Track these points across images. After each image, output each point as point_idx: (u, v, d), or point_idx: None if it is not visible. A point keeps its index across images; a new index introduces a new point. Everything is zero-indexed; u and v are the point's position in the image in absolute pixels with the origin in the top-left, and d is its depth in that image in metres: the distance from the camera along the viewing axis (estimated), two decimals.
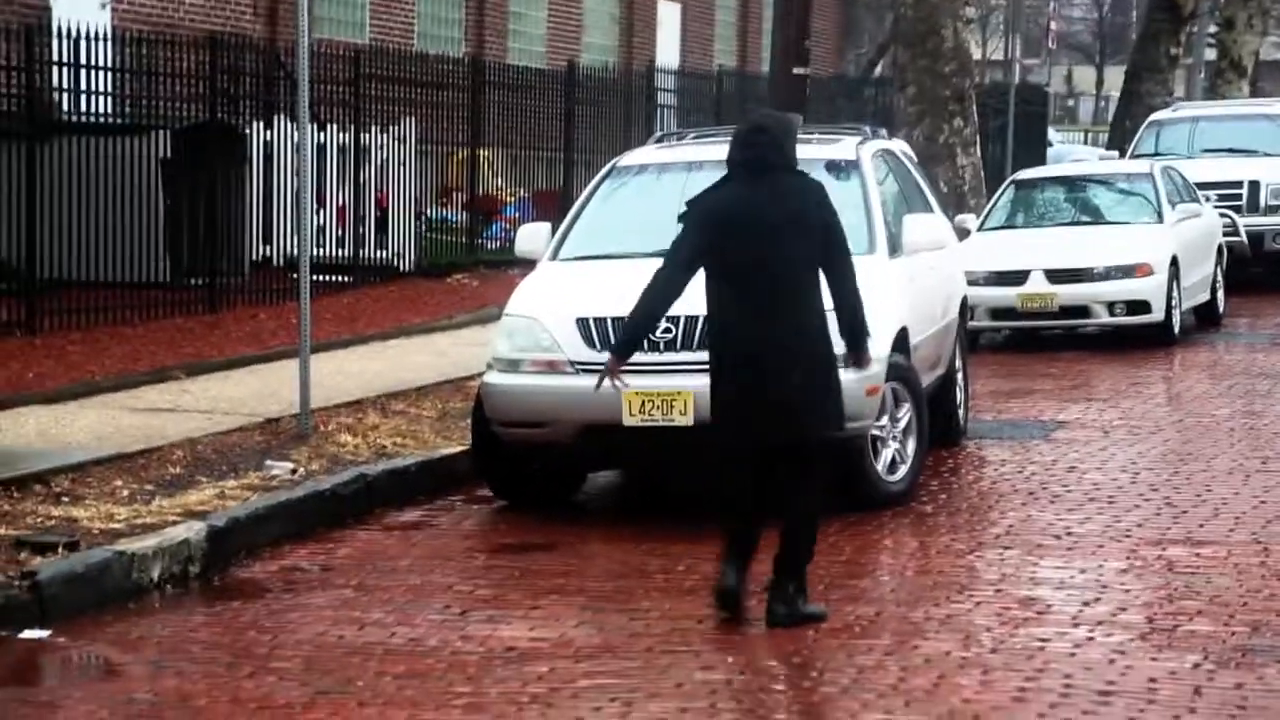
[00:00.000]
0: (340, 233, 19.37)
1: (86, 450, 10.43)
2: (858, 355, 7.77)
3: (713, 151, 11.23)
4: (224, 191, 17.39)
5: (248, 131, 18.47)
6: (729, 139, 11.68)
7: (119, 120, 17.12)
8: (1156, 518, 9.35)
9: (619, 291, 9.82)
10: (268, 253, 18.66)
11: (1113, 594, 7.83)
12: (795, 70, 18.18)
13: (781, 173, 7.61)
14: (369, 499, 9.99)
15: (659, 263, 10.22)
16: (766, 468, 7.51)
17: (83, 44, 16.23)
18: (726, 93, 29.15)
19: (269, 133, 18.64)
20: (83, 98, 16.59)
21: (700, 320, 9.37)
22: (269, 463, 10.29)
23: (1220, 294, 18.80)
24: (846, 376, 9.04)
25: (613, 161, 11.56)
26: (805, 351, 7.44)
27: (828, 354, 7.54)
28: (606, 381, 7.89)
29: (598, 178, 11.32)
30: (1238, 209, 20.78)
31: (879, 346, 9.64)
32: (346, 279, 18.90)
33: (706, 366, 9.30)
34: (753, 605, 7.74)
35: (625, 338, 8.09)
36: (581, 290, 9.98)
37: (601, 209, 10.98)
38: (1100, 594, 7.82)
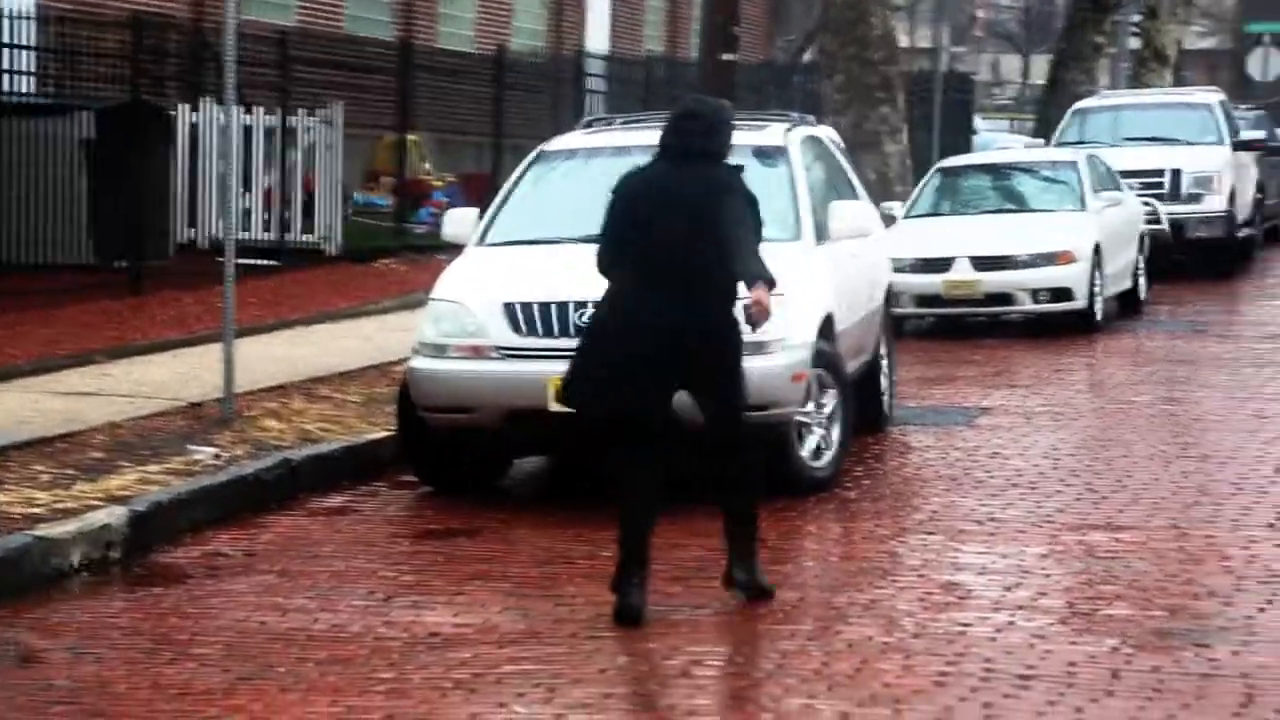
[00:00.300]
0: (266, 216, 19.26)
1: (6, 434, 10.33)
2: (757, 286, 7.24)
3: (641, 137, 11.21)
4: (148, 173, 17.24)
5: (173, 113, 18.33)
6: (658, 124, 11.74)
7: (42, 100, 16.96)
8: (1077, 503, 9.43)
9: (546, 277, 9.84)
10: (192, 236, 18.56)
11: (1033, 579, 7.90)
12: (723, 56, 18.23)
13: (708, 161, 7.59)
14: (293, 484, 9.95)
15: (585, 248, 10.25)
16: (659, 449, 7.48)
17: (5, 23, 16.06)
18: (656, 79, 29.17)
19: (195, 115, 18.52)
20: (4, 77, 16.41)
21: None
22: (191, 447, 10.23)
23: (1142, 281, 18.97)
24: (771, 362, 9.09)
25: (540, 146, 11.54)
26: (712, 333, 7.41)
27: (735, 338, 7.50)
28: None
29: (525, 162, 11.30)
30: (1160, 197, 20.95)
31: (804, 332, 9.70)
32: (272, 263, 18.78)
33: None
34: (678, 590, 7.77)
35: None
36: (508, 275, 9.96)
37: (529, 194, 10.96)
38: (1021, 579, 7.89)
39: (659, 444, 7.43)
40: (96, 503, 8.83)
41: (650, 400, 7.41)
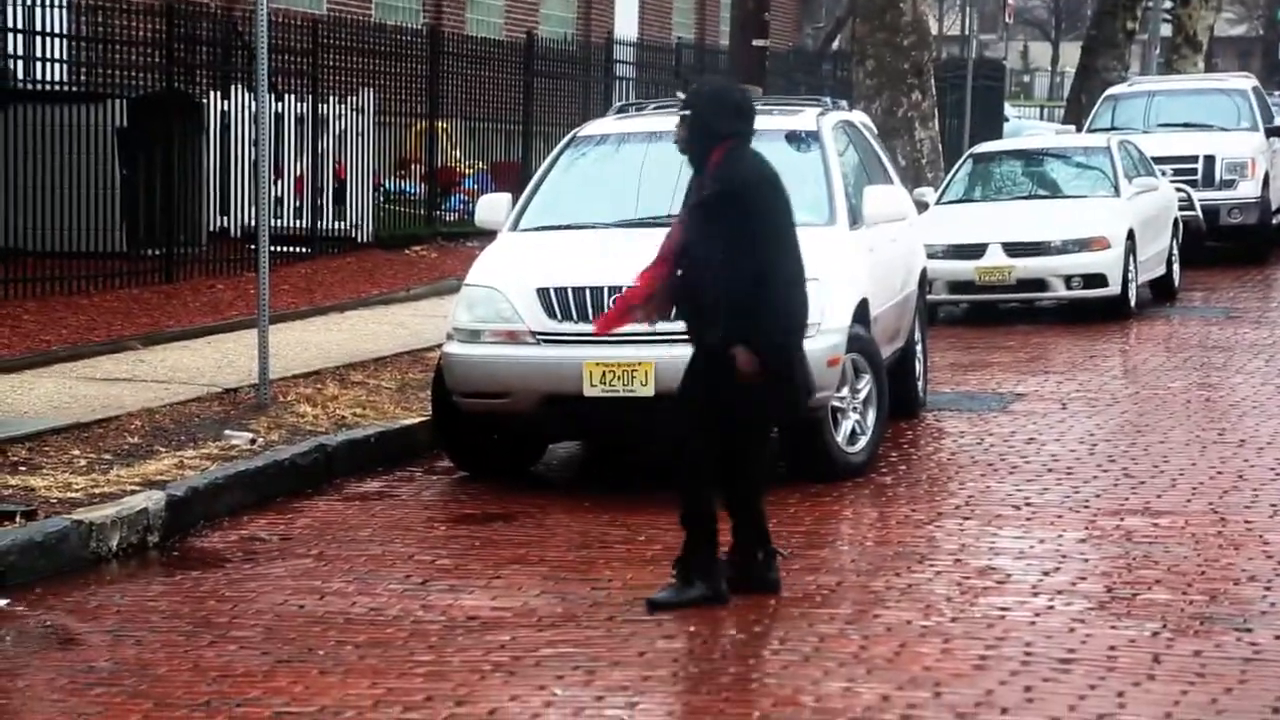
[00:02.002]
0: (298, 204, 19.27)
1: (43, 420, 10.37)
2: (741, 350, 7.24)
3: (673, 122, 11.20)
4: (180, 161, 17.27)
5: (205, 101, 18.35)
6: None
7: (75, 88, 17.00)
8: (1114, 488, 9.40)
9: (579, 261, 9.84)
10: (225, 223, 18.57)
11: (1072, 563, 7.87)
12: (754, 42, 18.19)
13: (709, 146, 7.39)
14: (328, 469, 9.97)
15: (619, 232, 10.26)
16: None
17: (39, 10, 16.10)
18: (685, 65, 29.13)
19: (226, 103, 18.53)
20: (38, 65, 16.46)
21: None
22: (228, 433, 10.26)
23: (1176, 268, 18.90)
24: (807, 347, 9.08)
25: (573, 132, 11.54)
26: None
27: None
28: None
29: (558, 148, 11.30)
30: (1193, 183, 20.88)
31: (839, 318, 9.68)
32: (304, 250, 18.82)
33: (667, 337, 9.35)
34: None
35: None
36: (542, 260, 9.96)
37: (562, 179, 10.95)
38: (1059, 563, 7.86)
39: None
40: (134, 487, 8.86)
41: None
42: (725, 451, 7.35)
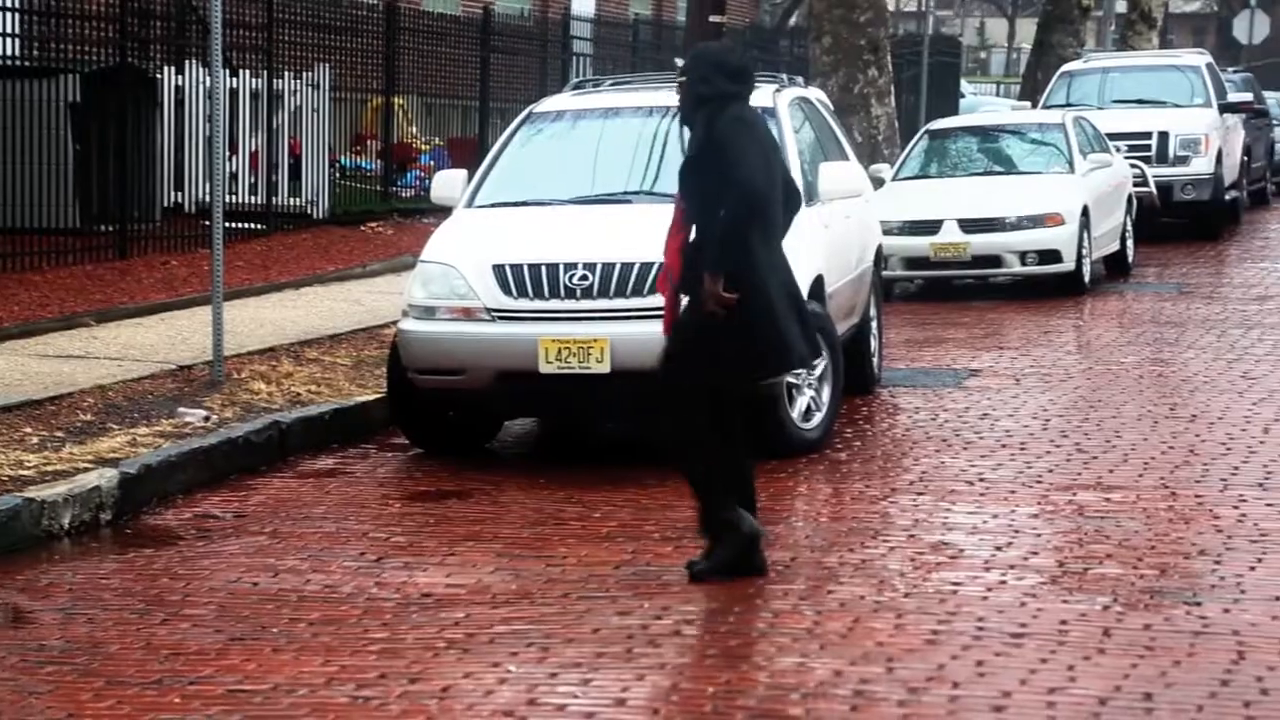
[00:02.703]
0: (253, 180, 19.19)
1: None
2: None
3: (629, 99, 11.23)
4: (135, 137, 17.17)
5: (159, 76, 18.24)
6: (646, 86, 11.72)
7: (27, 63, 16.87)
8: (1067, 463, 9.45)
9: (535, 238, 9.83)
10: (179, 199, 18.48)
11: (1024, 538, 7.92)
12: (711, 19, 18.19)
13: (708, 109, 7.38)
14: (283, 446, 9.94)
15: (575, 209, 10.25)
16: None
17: None
18: (642, 41, 29.10)
19: (180, 78, 18.43)
20: None
21: (617, 267, 9.40)
22: (181, 410, 10.22)
23: (1130, 244, 18.99)
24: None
25: (529, 108, 11.52)
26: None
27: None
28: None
29: (514, 124, 11.28)
30: (1147, 160, 20.97)
31: None
32: (259, 226, 18.74)
33: (623, 314, 9.36)
34: (669, 551, 7.79)
35: None
36: (498, 237, 9.94)
37: (518, 156, 10.93)
38: (1012, 538, 7.90)
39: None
40: (87, 465, 8.82)
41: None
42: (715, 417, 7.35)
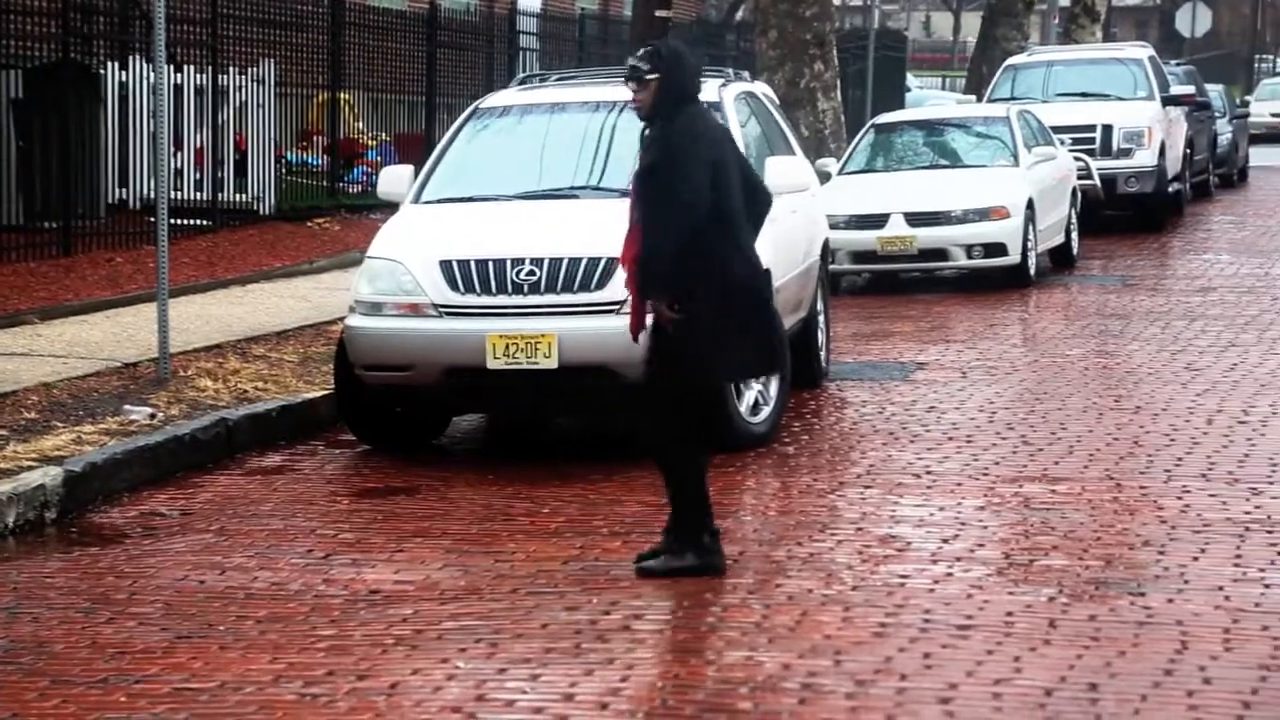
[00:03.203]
0: (198, 176, 19.09)
1: None
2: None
3: (576, 94, 11.23)
4: (78, 133, 17.06)
5: (102, 72, 18.13)
6: (593, 81, 11.72)
7: None
8: (1013, 456, 9.50)
9: (482, 234, 9.82)
10: (123, 195, 18.36)
11: (971, 531, 7.96)
12: (657, 13, 18.21)
13: (677, 108, 7.39)
14: (229, 444, 9.91)
15: (521, 205, 10.25)
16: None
17: None
18: (589, 36, 29.09)
19: (124, 73, 18.31)
20: None
21: (564, 262, 9.40)
22: (127, 407, 10.16)
23: (1075, 236, 19.10)
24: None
25: (476, 103, 11.50)
26: None
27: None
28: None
29: (460, 120, 11.26)
30: (1091, 152, 21.08)
31: None
32: (205, 222, 18.64)
33: (570, 309, 9.37)
34: (618, 545, 7.80)
35: None
36: (445, 233, 9.93)
37: (464, 151, 10.92)
38: (959, 531, 7.94)
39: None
40: (31, 463, 8.77)
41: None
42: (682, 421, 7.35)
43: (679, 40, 7.76)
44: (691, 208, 7.18)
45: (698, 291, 7.21)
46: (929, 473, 9.15)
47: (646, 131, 7.46)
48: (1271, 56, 70.13)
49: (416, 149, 21.37)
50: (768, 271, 7.64)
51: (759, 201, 7.57)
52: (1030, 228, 17.11)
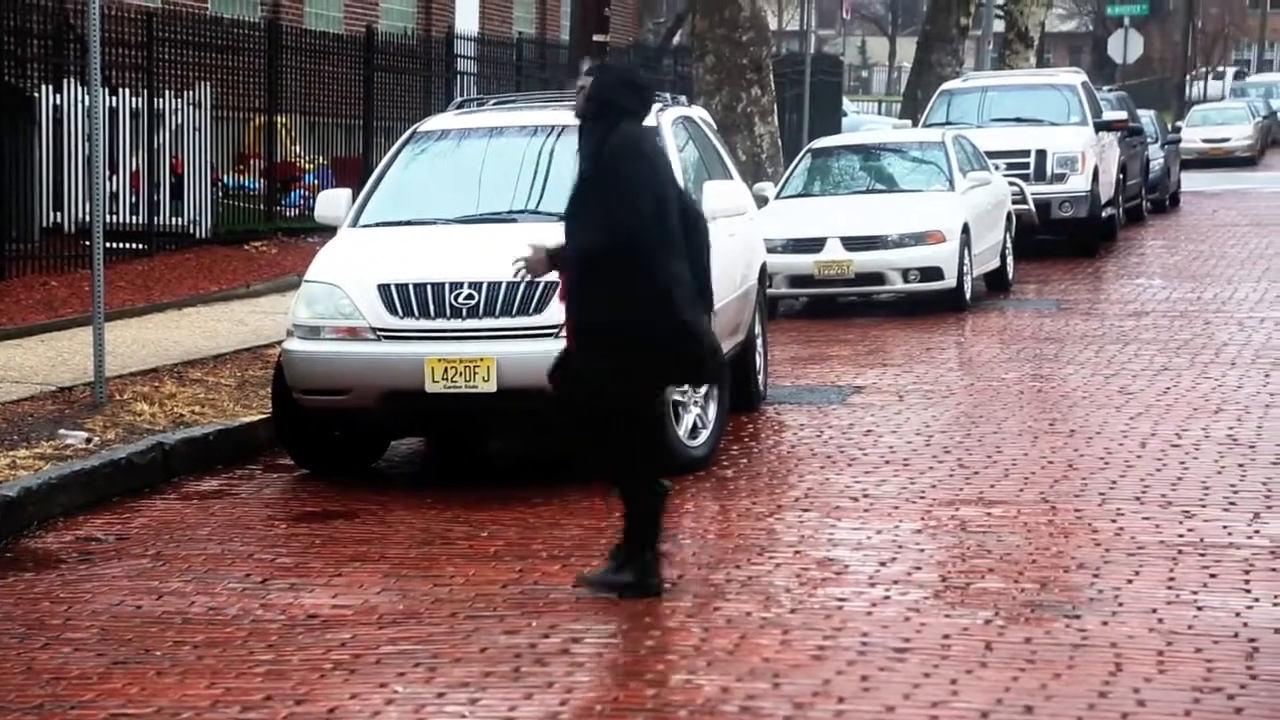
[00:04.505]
0: (134, 199, 19.00)
1: None
2: None
3: (513, 118, 11.25)
4: (12, 156, 16.95)
5: (36, 95, 18.02)
6: (530, 105, 11.74)
7: None
8: (950, 479, 9.56)
9: (421, 258, 9.82)
10: (58, 219, 18.24)
11: (908, 553, 8.00)
12: (595, 38, 18.22)
13: (610, 123, 7.45)
14: (166, 468, 9.86)
15: (460, 229, 10.26)
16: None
17: None
18: (526, 60, 29.11)
19: (59, 96, 18.20)
20: None
21: (503, 286, 9.41)
22: (62, 432, 10.10)
23: (1010, 260, 19.24)
24: None
25: (414, 127, 11.51)
26: None
27: None
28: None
29: (398, 144, 11.26)
30: (1026, 177, 21.26)
31: None
32: (141, 246, 18.55)
33: (509, 333, 9.37)
34: (557, 569, 7.80)
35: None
36: (383, 257, 9.92)
37: (402, 175, 10.92)
38: (896, 554, 7.99)
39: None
40: None
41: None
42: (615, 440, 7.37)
43: (634, 64, 7.82)
44: (630, 232, 7.21)
45: (615, 314, 7.24)
46: (866, 496, 9.20)
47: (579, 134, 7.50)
48: (1202, 83, 70.92)
49: (354, 172, 21.32)
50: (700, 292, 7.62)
51: (694, 228, 7.58)
52: (966, 252, 17.24)
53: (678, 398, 9.82)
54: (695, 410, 9.97)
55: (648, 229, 7.22)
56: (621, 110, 7.41)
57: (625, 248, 7.20)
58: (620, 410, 7.35)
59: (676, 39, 40.24)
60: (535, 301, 9.36)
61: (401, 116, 23.61)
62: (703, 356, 7.42)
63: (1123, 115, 25.31)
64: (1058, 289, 19.05)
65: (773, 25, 33.35)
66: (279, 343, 10.44)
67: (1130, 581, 7.43)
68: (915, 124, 25.24)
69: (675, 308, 7.27)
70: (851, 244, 16.92)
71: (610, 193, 7.25)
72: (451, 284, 9.45)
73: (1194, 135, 44.47)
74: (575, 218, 7.38)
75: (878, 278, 17.01)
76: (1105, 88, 30.66)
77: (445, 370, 9.30)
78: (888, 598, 7.24)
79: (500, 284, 9.42)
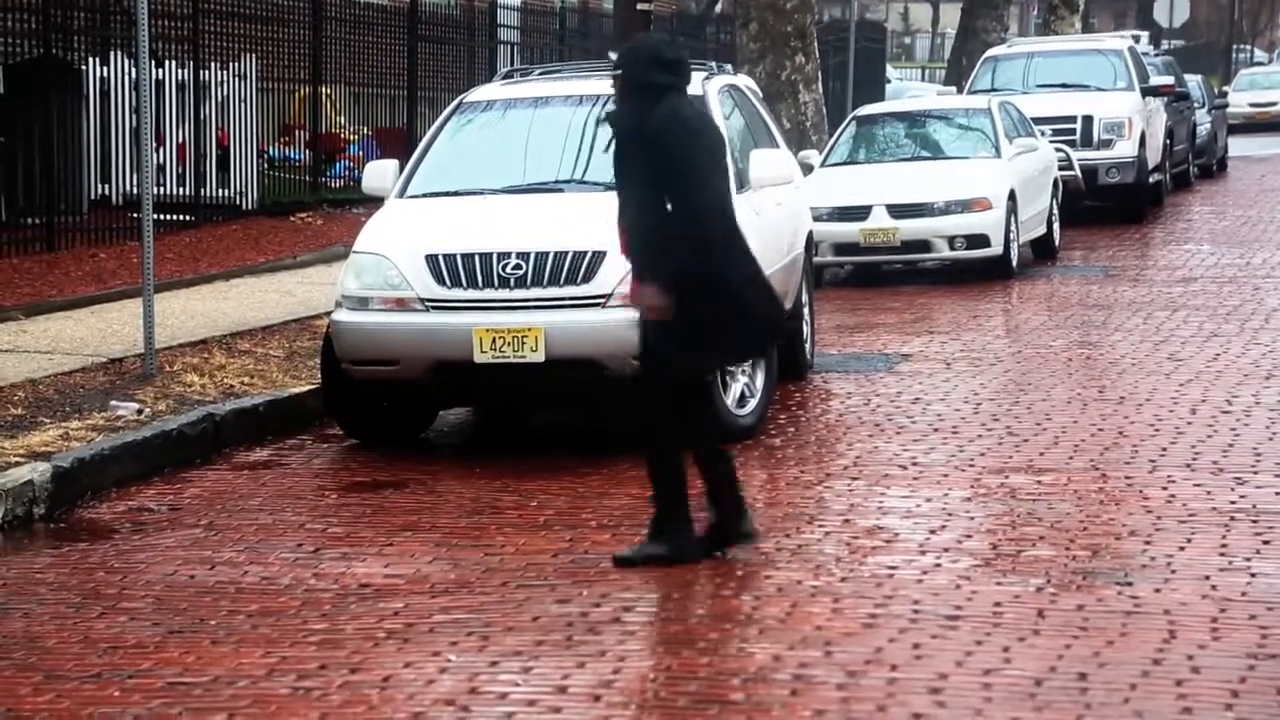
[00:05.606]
0: (180, 171, 19.08)
1: None
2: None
3: (559, 87, 11.24)
4: (60, 129, 17.04)
5: (84, 68, 18.10)
6: (576, 75, 11.74)
7: None
8: (999, 447, 9.54)
9: (468, 228, 9.83)
10: (106, 191, 18.34)
11: (958, 521, 7.99)
12: (639, 6, 18.17)
13: (644, 100, 7.45)
14: (217, 439, 9.91)
15: (506, 199, 10.27)
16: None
17: None
18: (570, 30, 29.07)
19: (105, 69, 18.27)
20: None
21: (551, 255, 9.42)
22: (114, 403, 10.17)
23: (1056, 227, 19.15)
24: None
25: (460, 98, 11.51)
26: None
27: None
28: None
29: (445, 114, 11.27)
30: (1072, 143, 21.13)
31: None
32: (188, 218, 18.63)
33: (557, 302, 9.39)
34: (607, 538, 7.82)
35: None
36: (430, 227, 9.94)
37: (449, 145, 10.93)
38: (946, 522, 7.98)
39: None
40: (19, 459, 8.77)
41: None
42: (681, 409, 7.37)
43: (663, 37, 7.80)
44: (708, 207, 7.28)
45: (686, 284, 7.24)
46: (915, 464, 9.19)
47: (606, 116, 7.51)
48: (1249, 46, 70.33)
49: (398, 143, 21.36)
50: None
51: None
52: (1012, 219, 17.16)
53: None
54: (743, 379, 9.97)
55: (727, 210, 7.31)
56: (660, 88, 7.39)
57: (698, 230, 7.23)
58: (683, 382, 7.37)
59: (719, 7, 40.12)
60: (583, 271, 9.37)
61: (445, 87, 23.62)
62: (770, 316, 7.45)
63: (1169, 80, 25.12)
64: (1105, 255, 18.96)
65: None
66: (326, 313, 10.47)
67: (1182, 549, 7.41)
68: (960, 91, 25.10)
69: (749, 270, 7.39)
70: (897, 211, 16.87)
71: (677, 179, 7.23)
72: (499, 254, 9.46)
73: (1241, 100, 44.14)
74: (620, 190, 7.38)
75: (924, 245, 16.95)
76: (1151, 52, 30.41)
77: (494, 340, 9.31)
78: (938, 565, 7.24)
79: (548, 254, 9.42)
